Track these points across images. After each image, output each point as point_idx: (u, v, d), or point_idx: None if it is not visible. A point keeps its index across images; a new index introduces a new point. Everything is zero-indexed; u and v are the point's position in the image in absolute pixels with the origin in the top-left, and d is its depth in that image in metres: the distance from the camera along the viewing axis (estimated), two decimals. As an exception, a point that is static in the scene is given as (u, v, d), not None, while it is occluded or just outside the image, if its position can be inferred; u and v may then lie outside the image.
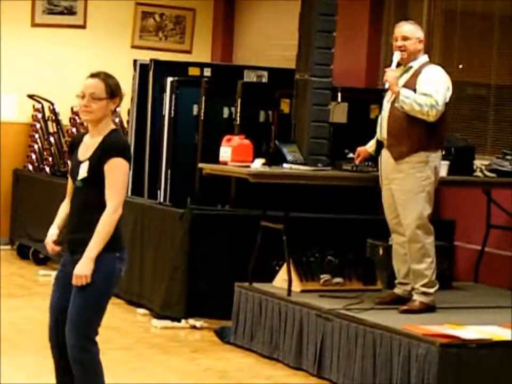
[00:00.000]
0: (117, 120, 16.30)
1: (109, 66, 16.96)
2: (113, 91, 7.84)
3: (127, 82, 14.42)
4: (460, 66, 11.23)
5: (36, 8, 17.72)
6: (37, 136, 17.02)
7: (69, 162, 8.63)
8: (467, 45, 13.95)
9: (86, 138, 8.25)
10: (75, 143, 8.33)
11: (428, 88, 10.48)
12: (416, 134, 10.57)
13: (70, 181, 8.24)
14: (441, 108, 10.46)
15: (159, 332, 12.87)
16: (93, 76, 7.82)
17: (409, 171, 10.60)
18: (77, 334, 7.91)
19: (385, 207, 11.05)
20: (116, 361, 11.13)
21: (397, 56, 10.80)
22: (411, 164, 10.61)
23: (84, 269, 7.56)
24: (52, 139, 17.02)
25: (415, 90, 10.52)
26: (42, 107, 17.23)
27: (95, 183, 7.80)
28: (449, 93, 10.71)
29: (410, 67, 10.72)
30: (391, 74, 10.68)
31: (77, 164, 8.04)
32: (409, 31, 10.83)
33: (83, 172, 8.05)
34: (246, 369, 11.31)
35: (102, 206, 7.76)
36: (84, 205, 7.81)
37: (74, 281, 7.61)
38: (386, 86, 10.78)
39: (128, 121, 15.53)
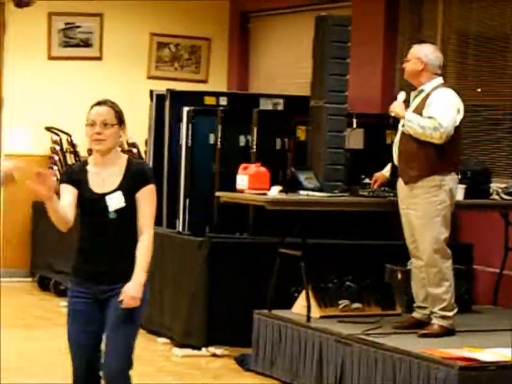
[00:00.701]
0: (134, 150, 16.35)
1: (126, 97, 17.07)
2: (121, 118, 7.88)
3: (144, 112, 14.50)
4: (478, 90, 11.19)
5: (52, 41, 17.78)
6: (55, 168, 17.03)
7: (63, 193, 8.36)
8: (481, 67, 13.95)
9: (94, 170, 8.19)
10: (75, 175, 8.22)
11: (433, 111, 10.45)
12: (425, 157, 10.58)
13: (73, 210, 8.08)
14: (445, 130, 10.39)
15: (180, 360, 12.84)
16: (100, 103, 7.84)
17: (424, 195, 10.60)
18: (125, 363, 7.96)
19: (404, 231, 10.98)
20: None
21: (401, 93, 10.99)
22: (425, 188, 10.59)
23: (137, 292, 7.55)
24: (70, 171, 16.96)
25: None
26: (60, 139, 17.20)
27: (129, 212, 7.82)
28: (460, 116, 10.65)
29: (422, 90, 10.74)
30: (394, 103, 10.84)
31: (98, 196, 7.97)
32: (411, 52, 10.93)
33: (118, 202, 8.05)
34: None
35: (134, 234, 7.87)
36: (119, 235, 7.81)
37: (127, 304, 7.58)
38: (390, 112, 10.88)
39: (145, 151, 15.57)
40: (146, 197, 7.80)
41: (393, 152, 11.08)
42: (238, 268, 12.91)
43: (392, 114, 10.83)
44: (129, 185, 8.02)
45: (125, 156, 8.23)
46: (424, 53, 10.87)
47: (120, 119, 7.89)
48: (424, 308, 10.92)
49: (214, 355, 12.60)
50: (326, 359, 10.97)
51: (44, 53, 17.65)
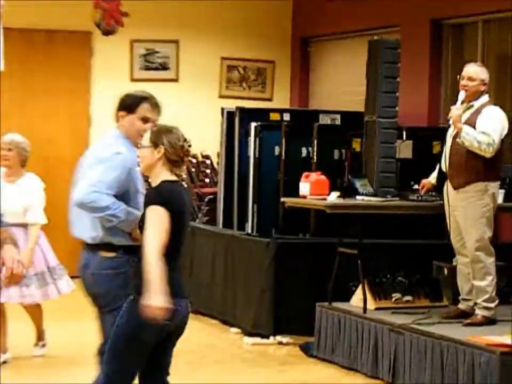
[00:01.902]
0: (208, 161, 16.35)
1: (200, 114, 17.16)
2: (155, 141, 7.51)
3: (216, 128, 14.53)
4: None
5: (134, 65, 17.86)
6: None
7: None
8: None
9: None
10: None
11: (486, 127, 10.41)
12: (474, 167, 10.53)
13: None
14: (496, 146, 10.40)
15: (250, 348, 12.87)
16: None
17: (470, 199, 10.58)
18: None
19: (450, 231, 10.90)
20: (212, 374, 11.44)
21: (461, 95, 10.76)
22: (471, 193, 10.57)
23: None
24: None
25: (474, 127, 10.44)
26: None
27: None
28: (505, 132, 10.64)
29: (472, 105, 10.68)
30: (455, 112, 10.61)
31: None
32: (474, 72, 10.79)
33: None
34: (329, 378, 11.27)
35: None
36: None
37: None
38: (450, 121, 10.71)
39: (217, 162, 15.56)
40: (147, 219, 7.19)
41: (443, 159, 11.01)
42: (301, 266, 12.87)
43: (450, 121, 10.70)
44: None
45: (162, 178, 7.77)
46: (486, 75, 10.84)
47: (154, 142, 7.50)
48: (469, 300, 10.89)
49: (281, 343, 12.60)
50: (380, 346, 10.99)
51: (126, 76, 17.74)
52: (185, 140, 7.65)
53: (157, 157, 7.20)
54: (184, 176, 10.14)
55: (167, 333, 7.15)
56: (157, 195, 7.51)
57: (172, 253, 7.19)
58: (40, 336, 12.29)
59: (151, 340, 7.18)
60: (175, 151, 7.51)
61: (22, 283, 11.34)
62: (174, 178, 7.71)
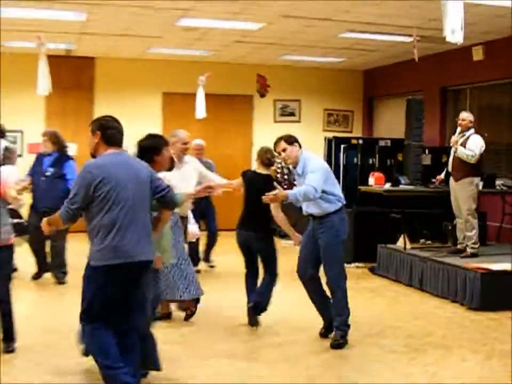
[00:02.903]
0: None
1: (312, 141, 17.08)
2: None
3: (321, 149, 14.67)
4: (486, 135, 11.22)
5: (276, 113, 17.76)
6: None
7: None
8: (489, 123, 13.86)
9: None
10: None
11: (472, 147, 10.49)
12: (465, 168, 10.56)
13: None
14: (477, 157, 10.50)
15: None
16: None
17: (463, 187, 10.62)
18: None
19: (452, 204, 10.87)
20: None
21: (458, 129, 10.79)
22: (464, 183, 10.61)
23: None
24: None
25: (465, 147, 10.51)
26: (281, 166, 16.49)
27: None
28: (483, 149, 10.63)
29: (464, 135, 10.67)
30: (454, 138, 10.72)
31: None
32: (466, 116, 10.80)
33: None
34: (385, 285, 11.14)
35: None
36: None
37: None
38: (451, 144, 10.78)
39: None
40: None
41: (448, 164, 11.06)
42: (371, 223, 12.55)
43: (451, 143, 10.73)
44: None
45: None
46: (472, 118, 10.80)
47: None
48: (462, 243, 10.89)
49: (357, 267, 12.40)
50: (413, 268, 10.93)
51: (272, 120, 17.66)
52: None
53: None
54: None
55: None
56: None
57: None
58: None
59: None
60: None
61: None
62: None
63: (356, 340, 7.57)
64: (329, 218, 7.43)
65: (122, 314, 5.48)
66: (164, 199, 5.72)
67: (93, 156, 5.64)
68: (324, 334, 7.69)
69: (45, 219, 5.70)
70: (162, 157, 6.16)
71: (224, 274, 11.62)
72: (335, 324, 7.43)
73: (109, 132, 5.57)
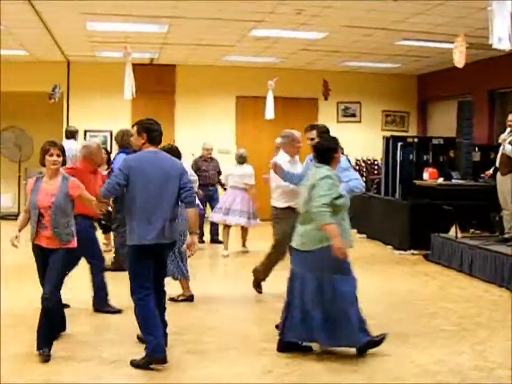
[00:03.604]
0: (376, 162, 16.37)
1: (371, 139, 16.97)
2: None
3: (379, 146, 14.54)
4: None
5: (339, 114, 17.69)
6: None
7: None
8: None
9: None
10: None
11: None
12: (511, 164, 10.46)
13: None
14: None
15: (397, 256, 12.27)
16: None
17: (510, 180, 10.45)
18: None
19: (499, 197, 10.71)
20: (379, 267, 11.12)
21: (508, 129, 10.59)
22: (510, 177, 10.44)
23: None
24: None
25: None
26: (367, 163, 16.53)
27: None
28: None
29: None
30: (502, 137, 10.55)
31: None
32: None
33: None
34: (437, 271, 10.95)
35: None
36: None
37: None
38: (500, 141, 10.62)
39: (380, 165, 15.16)
40: None
41: (497, 160, 10.89)
42: (425, 214, 12.21)
43: (500, 141, 10.57)
44: None
45: None
46: None
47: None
48: (509, 232, 10.67)
49: (413, 254, 12.26)
50: (464, 255, 10.79)
51: (335, 120, 17.37)
52: None
53: None
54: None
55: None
56: None
57: None
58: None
59: None
60: None
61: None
62: None
63: (412, 319, 7.59)
64: None
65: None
66: (182, 195, 5.94)
67: (136, 152, 6.10)
68: None
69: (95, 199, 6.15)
70: (338, 154, 6.30)
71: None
72: None
73: (153, 134, 5.96)
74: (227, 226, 12.11)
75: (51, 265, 5.91)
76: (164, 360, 5.75)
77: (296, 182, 7.24)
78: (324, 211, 5.85)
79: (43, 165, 6.02)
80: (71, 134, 13.43)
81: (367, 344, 6.18)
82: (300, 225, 6.26)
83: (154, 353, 5.73)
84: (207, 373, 5.72)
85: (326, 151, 6.27)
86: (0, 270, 9.40)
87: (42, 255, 5.99)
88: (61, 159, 5.96)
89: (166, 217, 5.84)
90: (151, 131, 5.98)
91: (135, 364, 5.79)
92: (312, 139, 7.11)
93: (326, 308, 6.03)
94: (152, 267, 5.91)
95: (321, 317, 6.02)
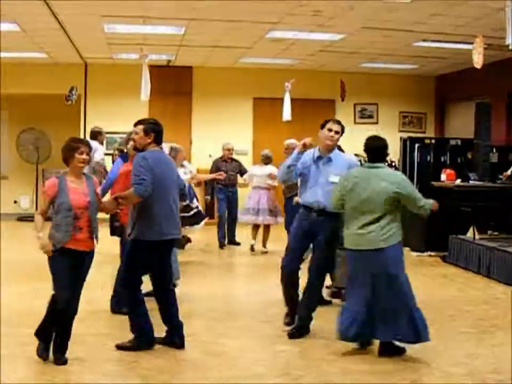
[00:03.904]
0: (393, 163, 16.31)
1: (389, 142, 16.94)
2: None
3: (396, 147, 14.57)
4: None
5: (356, 116, 17.68)
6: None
7: None
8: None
9: None
10: None
11: None
12: None
13: None
14: None
15: (415, 257, 12.18)
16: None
17: None
18: None
19: None
20: None
21: None
22: None
23: None
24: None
25: None
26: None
27: None
28: None
29: None
30: None
31: None
32: None
33: None
34: (455, 273, 10.96)
35: None
36: None
37: None
38: None
39: (398, 165, 14.69)
40: None
41: None
42: (442, 215, 10.69)
43: None
44: None
45: None
46: None
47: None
48: None
49: (430, 255, 12.25)
50: (482, 257, 10.74)
51: (352, 121, 17.29)
52: None
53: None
54: None
55: None
56: None
57: None
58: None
59: None
60: None
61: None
62: None
63: (429, 321, 7.50)
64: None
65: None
66: (181, 191, 6.54)
67: (140, 150, 6.18)
68: None
69: (113, 197, 6.25)
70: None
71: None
72: None
73: (160, 134, 6.22)
74: (256, 226, 12.34)
75: (86, 268, 5.83)
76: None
77: (295, 177, 6.98)
78: (425, 200, 6.41)
79: (67, 163, 5.73)
80: (95, 135, 13.44)
81: (394, 347, 6.24)
82: (364, 225, 6.15)
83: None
84: (225, 375, 5.71)
85: (382, 148, 6.36)
86: (0, 269, 9.46)
87: (74, 259, 5.66)
88: (88, 157, 5.78)
89: (178, 212, 6.27)
90: (158, 132, 6.20)
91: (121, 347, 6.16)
92: (336, 132, 6.87)
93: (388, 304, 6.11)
94: (156, 263, 6.23)
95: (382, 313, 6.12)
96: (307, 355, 6.27)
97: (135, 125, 6.25)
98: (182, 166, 10.36)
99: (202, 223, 10.59)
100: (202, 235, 12.89)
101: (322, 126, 6.85)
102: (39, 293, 8.38)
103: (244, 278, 10.82)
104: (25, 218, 16.90)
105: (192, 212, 10.22)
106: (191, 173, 10.60)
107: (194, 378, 5.65)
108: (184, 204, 9.44)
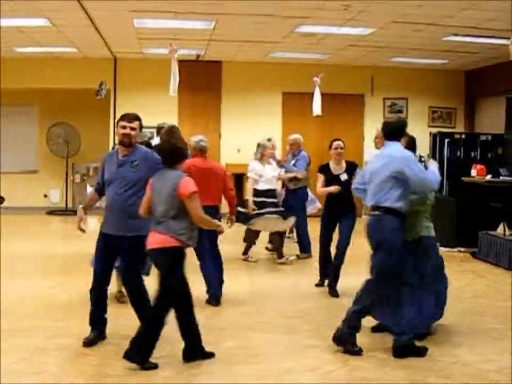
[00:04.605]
0: (423, 158, 16.33)
1: (418, 137, 16.94)
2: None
3: (426, 141, 14.54)
4: None
5: (385, 110, 17.53)
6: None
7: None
8: None
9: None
10: None
11: None
12: None
13: None
14: None
15: (444, 253, 11.06)
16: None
17: None
18: None
19: None
20: None
21: None
22: None
23: None
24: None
25: None
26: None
27: None
28: None
29: None
30: None
31: None
32: None
33: None
34: (485, 269, 10.87)
35: None
36: None
37: None
38: None
39: (427, 160, 15.12)
40: None
41: None
42: (472, 211, 12.07)
43: None
44: None
45: None
46: None
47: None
48: None
49: (460, 251, 12.14)
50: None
51: (381, 116, 17.09)
52: None
53: None
54: None
55: None
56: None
57: None
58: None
59: None
60: None
61: None
62: None
63: (459, 317, 7.52)
64: None
65: None
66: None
67: (129, 145, 6.14)
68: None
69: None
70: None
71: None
72: None
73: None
74: None
75: None
76: None
77: None
78: None
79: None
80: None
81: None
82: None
83: None
84: (255, 369, 5.73)
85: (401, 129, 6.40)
86: (0, 266, 9.56)
87: None
88: None
89: None
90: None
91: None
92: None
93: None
94: None
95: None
96: (336, 349, 6.23)
97: (129, 120, 6.15)
98: (269, 163, 10.61)
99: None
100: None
101: None
102: (65, 287, 8.68)
103: (272, 272, 10.78)
104: (55, 212, 17.07)
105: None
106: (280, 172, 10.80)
107: (222, 372, 5.67)
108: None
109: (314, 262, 9.93)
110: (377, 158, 6.43)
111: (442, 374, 5.68)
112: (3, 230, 13.59)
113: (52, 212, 17.09)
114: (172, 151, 5.69)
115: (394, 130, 6.34)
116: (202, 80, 16.83)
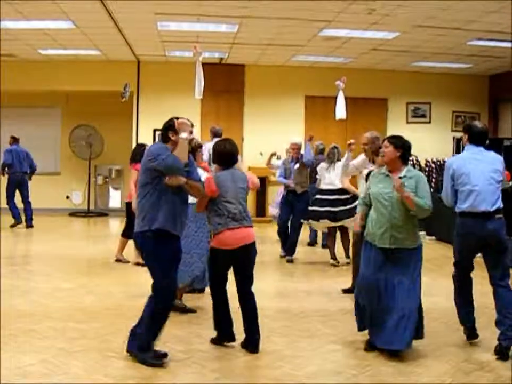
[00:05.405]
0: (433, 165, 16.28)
1: (441, 142, 16.80)
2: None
3: (449, 146, 14.45)
4: None
5: (408, 115, 17.58)
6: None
7: None
8: None
9: None
10: None
11: None
12: None
13: None
14: None
15: (430, 245, 12.36)
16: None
17: None
18: None
19: None
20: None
21: None
22: None
23: None
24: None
25: None
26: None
27: None
28: None
29: None
30: None
31: None
32: None
33: None
34: None
35: None
36: None
37: None
38: None
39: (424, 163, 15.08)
40: None
41: None
42: None
43: None
44: None
45: None
46: None
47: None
48: None
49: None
50: None
51: (404, 120, 17.51)
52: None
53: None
54: None
55: None
56: None
57: None
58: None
59: None
60: None
61: None
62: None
63: (485, 323, 7.40)
64: None
65: None
66: None
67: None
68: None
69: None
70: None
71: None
72: None
73: None
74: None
75: None
76: None
77: None
78: None
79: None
80: (216, 135, 12.89)
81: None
82: (395, 223, 6.27)
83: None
84: (279, 373, 5.74)
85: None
86: (0, 266, 9.60)
87: None
88: None
89: None
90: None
91: None
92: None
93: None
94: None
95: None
96: (360, 354, 6.24)
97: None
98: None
99: None
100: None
101: None
102: (88, 289, 8.71)
103: (298, 276, 10.71)
104: (77, 213, 17.18)
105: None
106: None
107: (245, 376, 5.70)
108: None
109: (340, 265, 10.17)
110: (475, 161, 6.56)
111: (465, 380, 5.65)
112: (25, 231, 13.71)
113: (74, 214, 17.22)
114: (234, 154, 6.27)
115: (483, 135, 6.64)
116: (225, 84, 16.90)
